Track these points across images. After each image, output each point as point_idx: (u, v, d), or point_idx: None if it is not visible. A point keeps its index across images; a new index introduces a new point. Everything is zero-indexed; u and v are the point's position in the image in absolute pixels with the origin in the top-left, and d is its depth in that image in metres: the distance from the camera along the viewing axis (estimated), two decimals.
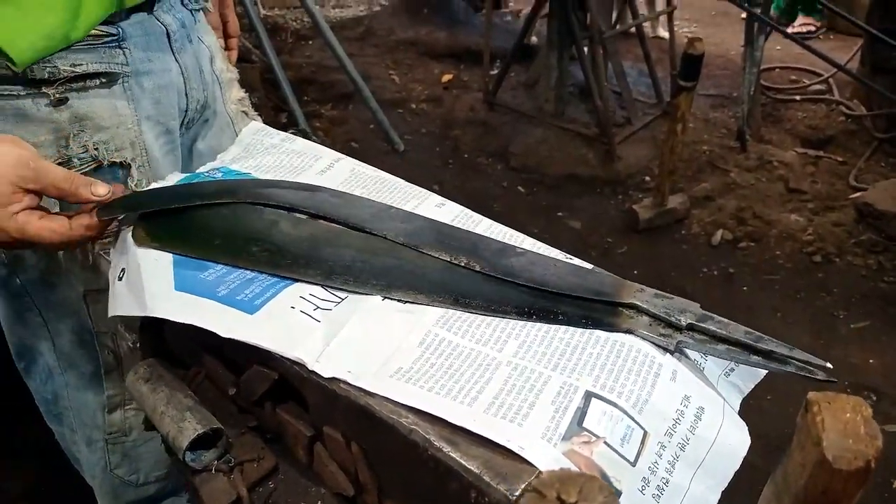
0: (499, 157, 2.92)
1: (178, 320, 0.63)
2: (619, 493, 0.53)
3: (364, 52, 3.64)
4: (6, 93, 0.81)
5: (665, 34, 3.61)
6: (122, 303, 0.71)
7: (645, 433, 0.56)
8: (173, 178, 0.84)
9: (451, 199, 0.81)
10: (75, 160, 0.86)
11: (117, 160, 0.89)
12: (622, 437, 0.54)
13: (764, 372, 0.64)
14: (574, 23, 2.57)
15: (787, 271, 2.29)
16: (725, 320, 0.61)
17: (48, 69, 0.80)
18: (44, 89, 0.82)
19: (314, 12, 2.80)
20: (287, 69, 3.01)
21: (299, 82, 3.28)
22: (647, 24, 3.30)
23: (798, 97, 3.12)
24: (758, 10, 2.64)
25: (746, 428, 0.61)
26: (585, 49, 2.65)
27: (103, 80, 0.85)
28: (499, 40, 3.41)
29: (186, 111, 1.00)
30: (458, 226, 0.78)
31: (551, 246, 0.74)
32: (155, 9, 0.91)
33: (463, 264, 0.67)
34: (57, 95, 0.82)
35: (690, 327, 0.61)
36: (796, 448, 0.38)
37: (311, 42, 3.78)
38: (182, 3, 0.96)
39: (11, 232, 0.69)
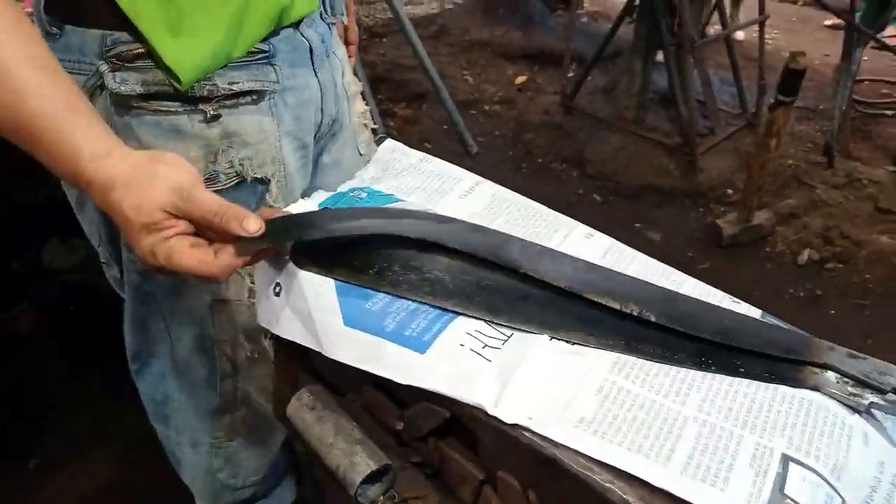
0: (574, 164, 2.88)
1: (355, 366, 0.62)
2: None
3: (438, 52, 3.62)
4: (165, 109, 0.82)
5: (742, 37, 3.52)
6: (284, 325, 0.71)
7: (843, 501, 0.53)
8: (318, 197, 0.84)
9: None
10: (221, 176, 0.87)
11: (259, 176, 0.90)
12: None
13: None
14: (663, 28, 2.52)
15: (877, 296, 2.21)
16: None
17: (208, 87, 0.81)
18: (200, 106, 0.83)
19: (398, 9, 2.79)
20: (362, 67, 3.02)
21: (373, 80, 3.28)
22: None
23: (889, 112, 3.00)
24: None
25: None
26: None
27: (254, 97, 0.86)
28: (575, 42, 3.36)
29: (320, 126, 1.00)
30: (611, 260, 0.76)
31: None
32: (300, 25, 0.91)
33: (635, 313, 0.64)
34: (212, 112, 0.83)
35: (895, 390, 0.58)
36: None
37: (384, 39, 3.78)
38: (321, 17, 0.96)
39: (159, 257, 0.66)
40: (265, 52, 0.85)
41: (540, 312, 0.66)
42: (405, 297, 0.68)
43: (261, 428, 1.14)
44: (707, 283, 0.73)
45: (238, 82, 0.83)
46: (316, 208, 0.81)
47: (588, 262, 0.71)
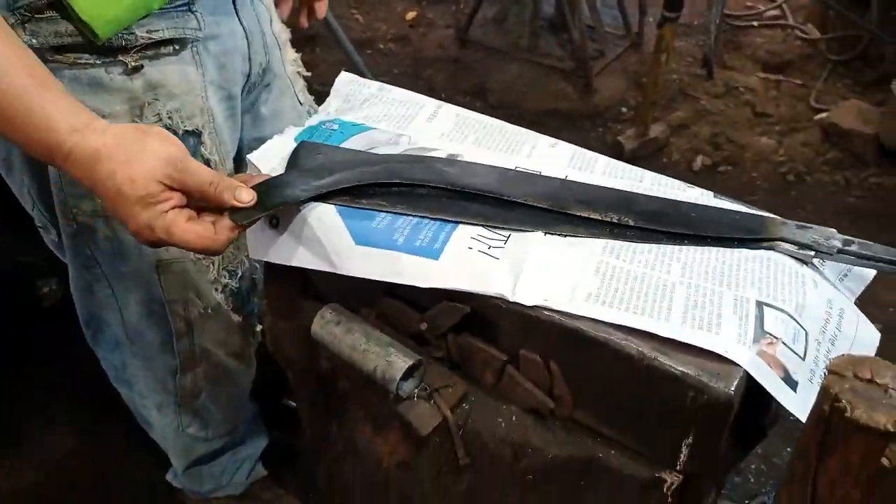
0: (476, 95, 2.94)
1: (376, 279, 0.67)
2: (796, 385, 0.62)
3: None
4: (81, 62, 0.79)
5: None
6: (285, 253, 0.74)
7: (806, 332, 0.65)
8: (291, 132, 0.86)
9: None
10: None
11: (189, 128, 0.89)
12: (793, 336, 0.63)
13: (872, 275, 0.74)
14: None
15: (764, 192, 2.44)
16: (867, 242, 0.70)
17: (125, 37, 0.79)
18: (119, 57, 0.81)
19: None
20: None
21: None
22: None
23: (755, 23, 3.23)
24: None
25: (872, 325, 0.71)
26: None
27: (176, 47, 0.85)
28: None
29: (249, 75, 1.00)
30: (578, 163, 0.84)
31: None
32: None
33: (615, 220, 0.71)
34: (133, 63, 0.81)
35: (840, 251, 0.69)
36: None
37: None
38: None
39: (158, 231, 0.66)
40: None
41: (530, 214, 0.73)
42: (406, 214, 0.73)
43: (223, 381, 1.16)
44: None
45: (158, 30, 0.82)
46: (293, 143, 0.84)
47: (560, 180, 0.78)
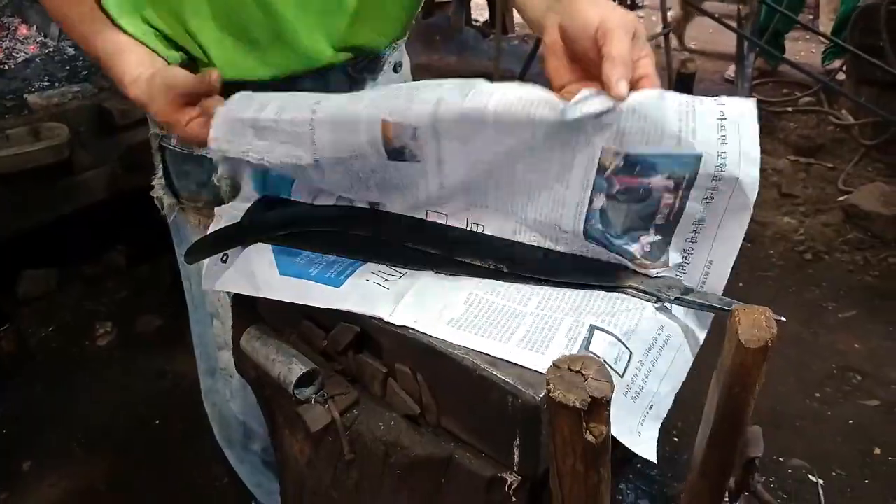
0: None
1: (287, 301, 0.83)
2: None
3: None
4: None
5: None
6: (233, 282, 0.92)
7: (631, 353, 0.75)
8: (248, 185, 1.04)
9: None
10: None
11: None
12: (615, 357, 0.74)
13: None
14: None
15: (779, 269, 2.48)
16: (704, 291, 0.81)
17: None
18: None
19: None
20: None
21: None
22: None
23: (790, 108, 3.32)
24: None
25: (690, 353, 0.81)
26: None
27: None
28: (507, 63, 3.64)
29: None
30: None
31: None
32: None
33: (493, 267, 0.85)
34: None
35: (677, 299, 0.80)
36: (727, 341, 0.59)
37: None
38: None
39: (190, 138, 0.91)
40: None
41: (427, 257, 0.88)
42: (326, 254, 0.90)
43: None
44: None
45: None
46: (254, 194, 1.02)
47: (462, 231, 0.92)
